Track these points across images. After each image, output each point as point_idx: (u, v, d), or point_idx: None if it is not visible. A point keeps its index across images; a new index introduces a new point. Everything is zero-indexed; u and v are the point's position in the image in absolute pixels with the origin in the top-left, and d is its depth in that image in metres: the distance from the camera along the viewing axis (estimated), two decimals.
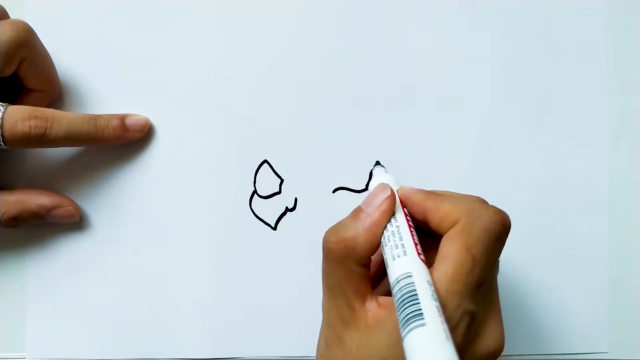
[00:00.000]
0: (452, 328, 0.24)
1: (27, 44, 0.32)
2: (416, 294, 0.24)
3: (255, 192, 0.37)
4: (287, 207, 0.37)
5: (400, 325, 0.24)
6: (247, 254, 0.36)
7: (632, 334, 0.37)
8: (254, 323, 0.36)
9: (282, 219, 0.36)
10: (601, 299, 0.37)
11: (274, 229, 0.36)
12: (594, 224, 0.37)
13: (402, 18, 0.37)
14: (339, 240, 0.28)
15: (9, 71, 0.32)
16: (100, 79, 0.36)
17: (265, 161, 0.37)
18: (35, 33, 0.33)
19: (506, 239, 0.28)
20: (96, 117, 0.34)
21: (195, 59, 0.37)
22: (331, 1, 0.37)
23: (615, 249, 0.37)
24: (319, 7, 0.37)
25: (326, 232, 0.29)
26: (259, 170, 0.37)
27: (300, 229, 0.36)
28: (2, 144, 0.31)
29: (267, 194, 0.37)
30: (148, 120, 0.36)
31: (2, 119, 0.31)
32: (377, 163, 0.34)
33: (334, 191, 0.36)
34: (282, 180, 0.37)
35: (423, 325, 0.23)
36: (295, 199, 0.37)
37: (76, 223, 0.36)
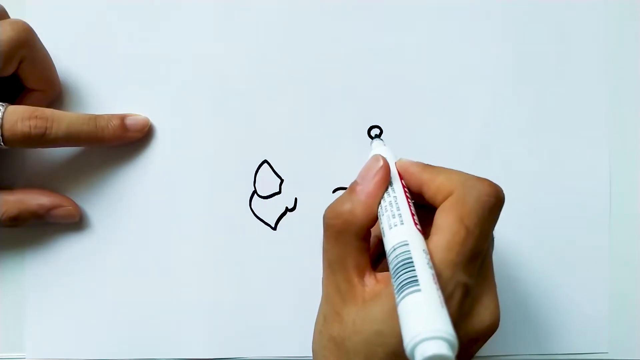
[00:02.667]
0: (446, 299, 0.24)
1: (27, 44, 0.32)
2: (412, 261, 0.24)
3: (255, 192, 0.37)
4: (287, 207, 0.37)
5: (395, 292, 0.24)
6: (247, 254, 0.36)
7: (633, 334, 0.37)
8: (254, 323, 0.36)
9: (282, 219, 0.36)
10: (601, 299, 0.37)
11: (274, 229, 0.36)
12: (594, 224, 0.37)
13: (403, 18, 0.37)
14: (337, 215, 0.28)
15: (8, 71, 0.32)
16: (100, 79, 0.36)
17: (265, 161, 0.37)
18: (35, 33, 0.33)
19: (500, 211, 0.28)
20: (96, 117, 0.34)
21: (195, 59, 0.37)
22: (331, 0, 0.37)
23: (615, 249, 0.37)
24: (319, 6, 0.37)
25: (325, 210, 0.29)
26: (259, 170, 0.37)
27: (300, 229, 0.36)
28: (2, 143, 0.31)
29: (267, 194, 0.37)
30: (148, 120, 0.36)
31: (2, 118, 0.31)
32: (376, 136, 0.34)
33: (334, 191, 0.36)
34: (282, 180, 0.37)
35: (418, 290, 0.23)
36: (295, 199, 0.37)
37: (76, 223, 0.36)
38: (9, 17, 0.33)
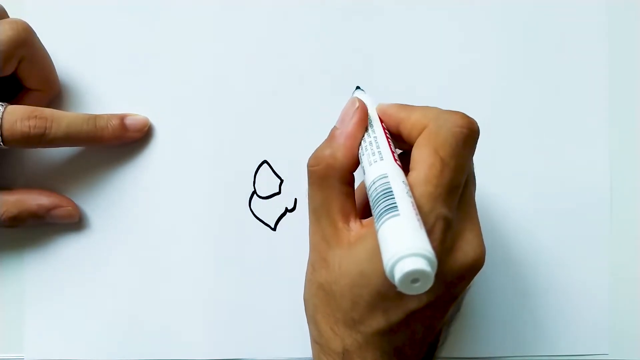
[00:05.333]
0: (427, 233, 0.24)
1: (26, 44, 0.32)
2: (391, 191, 0.24)
3: (254, 192, 0.36)
4: (286, 208, 0.37)
5: (375, 222, 0.24)
6: (246, 255, 0.36)
7: (633, 334, 0.37)
8: (254, 324, 0.36)
9: (281, 220, 0.36)
10: (601, 299, 0.36)
11: (274, 229, 0.36)
12: (594, 224, 0.37)
13: (402, 18, 0.37)
14: (319, 161, 0.28)
15: (8, 70, 0.32)
16: (100, 79, 0.36)
17: (265, 161, 0.37)
18: (34, 32, 0.33)
19: (475, 143, 0.28)
20: (95, 117, 0.34)
21: (195, 59, 0.36)
22: (330, 1, 0.37)
23: (615, 249, 0.37)
24: (319, 6, 0.37)
25: (308, 159, 0.29)
26: (259, 171, 0.36)
27: (300, 229, 0.36)
28: (1, 143, 0.31)
29: (267, 195, 0.37)
30: (147, 119, 0.36)
31: (2, 118, 0.31)
32: (357, 87, 0.34)
33: None
34: (281, 181, 0.37)
35: (397, 215, 0.23)
36: (295, 199, 0.37)
37: (75, 223, 0.36)
38: (8, 16, 0.33)
